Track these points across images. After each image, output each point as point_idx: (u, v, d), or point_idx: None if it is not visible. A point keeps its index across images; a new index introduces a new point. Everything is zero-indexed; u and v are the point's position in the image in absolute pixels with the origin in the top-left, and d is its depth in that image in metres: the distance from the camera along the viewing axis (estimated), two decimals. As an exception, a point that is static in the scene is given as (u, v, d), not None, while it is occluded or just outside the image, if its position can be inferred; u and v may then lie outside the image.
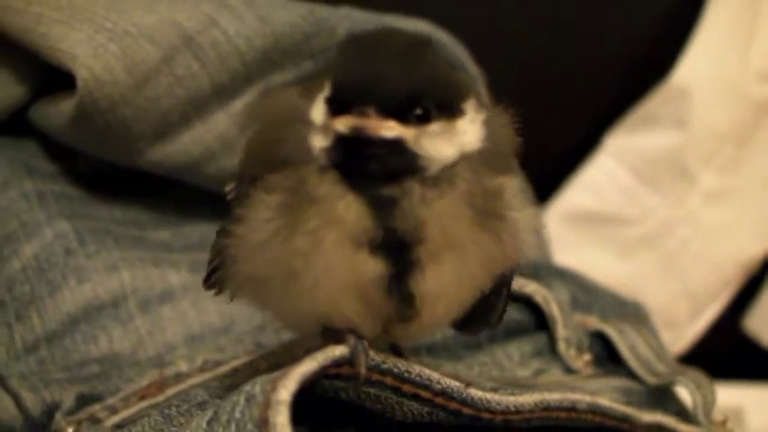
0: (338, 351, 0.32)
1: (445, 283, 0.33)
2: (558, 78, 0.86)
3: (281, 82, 0.61)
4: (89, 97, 0.54)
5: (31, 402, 0.47)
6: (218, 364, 0.49)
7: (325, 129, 0.32)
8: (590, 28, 0.86)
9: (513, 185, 0.34)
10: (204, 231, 0.62)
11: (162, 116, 0.56)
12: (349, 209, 0.31)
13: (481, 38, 0.70)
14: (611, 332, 0.53)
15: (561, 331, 0.52)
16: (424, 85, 0.32)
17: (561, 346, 0.51)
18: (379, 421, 0.34)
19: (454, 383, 0.35)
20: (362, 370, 0.32)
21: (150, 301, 0.55)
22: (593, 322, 0.55)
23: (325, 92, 0.33)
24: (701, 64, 0.83)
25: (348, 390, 0.33)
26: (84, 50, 0.54)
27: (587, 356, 0.52)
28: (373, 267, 0.32)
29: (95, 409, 0.47)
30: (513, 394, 0.37)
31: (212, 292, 0.40)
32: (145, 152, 0.57)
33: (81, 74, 0.54)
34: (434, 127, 0.32)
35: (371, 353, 0.33)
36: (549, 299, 0.53)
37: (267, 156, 0.34)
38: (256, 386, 0.31)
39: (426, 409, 0.34)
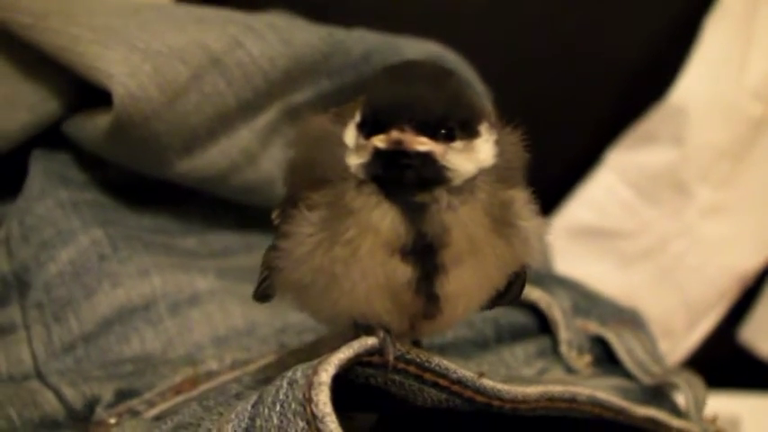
0: (370, 341, 0.36)
1: (466, 285, 0.38)
2: (561, 97, 0.90)
3: (302, 99, 0.65)
4: (124, 113, 0.58)
5: (72, 396, 0.51)
6: (246, 362, 0.54)
7: (361, 147, 0.37)
8: (591, 49, 0.89)
9: (523, 197, 0.39)
10: (228, 240, 0.66)
11: (191, 131, 0.61)
12: (385, 216, 0.36)
13: (486, 57, 0.74)
14: (609, 336, 0.57)
15: (563, 334, 0.56)
16: (449, 108, 0.36)
17: (563, 347, 0.56)
18: (402, 407, 0.39)
19: (468, 373, 0.39)
20: (391, 358, 0.37)
21: (179, 305, 0.59)
22: (593, 327, 0.59)
23: (357, 118, 0.37)
24: (697, 84, 0.87)
25: (377, 376, 0.37)
26: (120, 69, 0.58)
27: (587, 358, 0.56)
28: (404, 271, 0.37)
29: (134, 402, 0.51)
30: (520, 385, 0.41)
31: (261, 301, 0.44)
32: (174, 164, 0.61)
33: (117, 91, 0.58)
34: (457, 144, 0.37)
35: (398, 344, 0.38)
36: (552, 304, 0.57)
37: (307, 176, 0.38)
38: (297, 372, 0.35)
39: (444, 396, 0.39)
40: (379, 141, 0.36)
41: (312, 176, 0.38)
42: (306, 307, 0.41)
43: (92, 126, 0.61)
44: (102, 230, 0.60)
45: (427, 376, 0.38)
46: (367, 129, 0.37)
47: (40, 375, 0.56)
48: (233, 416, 0.38)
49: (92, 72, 0.59)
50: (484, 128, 0.38)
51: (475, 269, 0.38)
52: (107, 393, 0.52)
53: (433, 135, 0.36)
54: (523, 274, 0.41)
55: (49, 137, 0.65)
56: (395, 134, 0.35)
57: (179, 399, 0.51)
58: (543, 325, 0.58)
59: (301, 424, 0.34)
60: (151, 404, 0.51)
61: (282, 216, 0.40)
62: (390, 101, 0.36)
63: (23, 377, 0.56)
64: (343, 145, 0.38)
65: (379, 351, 0.37)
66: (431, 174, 0.36)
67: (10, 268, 0.60)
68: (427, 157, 0.36)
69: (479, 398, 0.40)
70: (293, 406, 0.34)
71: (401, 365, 0.37)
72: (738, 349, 0.93)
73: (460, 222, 0.36)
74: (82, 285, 0.59)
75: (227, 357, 0.54)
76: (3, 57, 0.63)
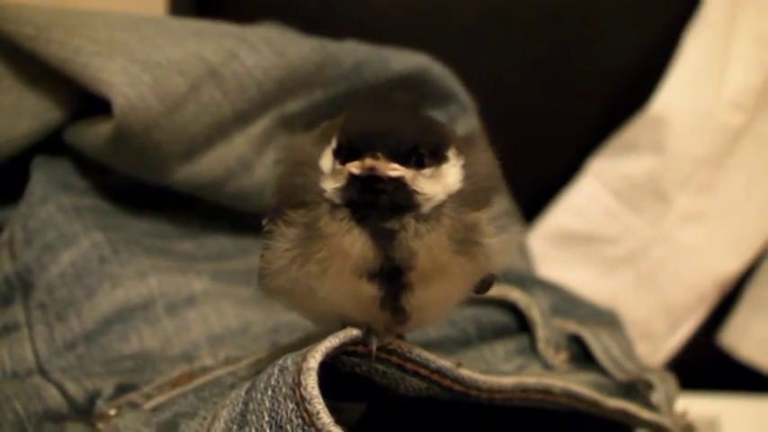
0: (354, 332, 0.40)
1: (431, 298, 0.41)
2: (546, 108, 0.93)
3: (295, 108, 0.69)
4: (125, 122, 0.61)
5: (74, 391, 0.54)
6: (239, 358, 0.57)
7: (337, 173, 0.40)
8: (576, 62, 0.93)
9: (487, 217, 0.41)
10: (223, 244, 0.70)
11: (189, 140, 0.64)
12: (355, 242, 0.39)
13: (472, 69, 0.78)
14: (586, 334, 0.61)
15: (541, 332, 0.59)
16: (419, 136, 0.39)
17: (541, 345, 0.59)
18: (386, 396, 0.42)
19: (447, 363, 0.43)
20: (373, 348, 0.41)
21: (176, 305, 0.62)
22: (572, 326, 0.62)
23: (333, 145, 0.41)
24: (678, 94, 0.90)
25: (362, 365, 0.41)
26: (121, 80, 0.61)
27: (564, 355, 0.59)
28: (369, 291, 0.40)
29: (133, 396, 0.54)
30: (496, 376, 0.45)
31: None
32: (173, 171, 0.65)
33: (118, 101, 0.61)
34: (427, 171, 0.40)
35: (381, 336, 0.41)
36: (531, 304, 0.60)
37: (286, 195, 0.42)
38: (288, 360, 0.39)
39: (425, 385, 0.42)
40: (354, 168, 0.38)
41: (291, 196, 0.41)
42: (292, 307, 0.44)
43: (93, 134, 0.64)
44: (102, 234, 0.64)
45: (408, 366, 0.42)
46: (342, 155, 0.40)
47: (42, 372, 0.59)
48: (228, 402, 0.41)
49: (94, 82, 0.62)
50: (452, 153, 0.41)
51: (440, 285, 0.41)
52: (107, 387, 0.55)
53: (404, 162, 0.39)
54: (490, 277, 0.44)
55: (51, 144, 0.68)
56: (368, 161, 0.38)
57: (175, 392, 0.53)
58: (522, 324, 0.61)
59: (291, 406, 0.37)
60: (149, 397, 0.54)
61: (268, 226, 0.43)
62: (364, 129, 0.39)
63: (26, 373, 0.59)
64: (318, 169, 0.41)
65: (362, 341, 0.40)
66: (402, 199, 0.39)
67: (13, 270, 0.62)
68: (399, 183, 0.39)
69: (457, 387, 0.43)
70: (284, 390, 0.38)
71: (384, 355, 0.41)
72: (718, 352, 0.95)
73: (425, 247, 0.39)
74: (83, 286, 0.62)
75: (221, 354, 0.57)
76: (8, 67, 0.66)
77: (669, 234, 0.93)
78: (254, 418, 0.38)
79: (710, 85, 0.90)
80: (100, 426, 0.52)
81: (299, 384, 0.37)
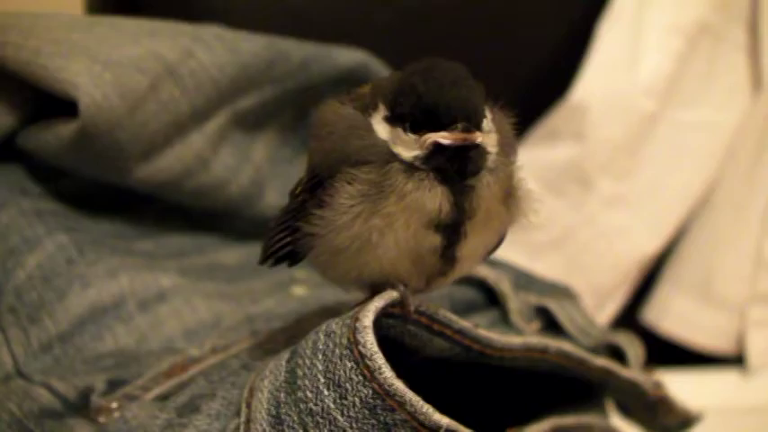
0: (395, 294, 0.44)
1: (476, 247, 0.47)
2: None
3: (247, 105, 0.72)
4: (90, 121, 0.62)
5: (64, 389, 0.56)
6: (226, 347, 0.59)
7: (409, 142, 0.44)
8: (495, 54, 0.98)
9: (518, 168, 0.47)
10: (181, 242, 0.72)
11: (150, 138, 0.66)
12: (435, 198, 0.44)
13: (391, 68, 0.82)
14: (551, 305, 0.66)
15: (512, 304, 0.64)
16: (480, 102, 0.44)
17: (513, 316, 0.63)
18: (412, 358, 0.47)
19: (467, 324, 0.47)
20: (411, 308, 0.45)
21: (147, 302, 0.64)
22: (534, 299, 0.67)
23: (383, 113, 0.45)
24: (594, 83, 0.96)
25: (396, 326, 0.45)
26: (84, 80, 0.62)
27: (535, 325, 0.64)
28: (433, 241, 0.45)
29: (128, 389, 0.55)
30: (505, 336, 0.50)
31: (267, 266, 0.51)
32: (134, 171, 0.66)
33: (83, 100, 0.62)
34: (487, 129, 0.44)
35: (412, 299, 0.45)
36: (500, 278, 0.65)
37: (344, 156, 0.45)
38: (332, 325, 0.42)
39: (447, 345, 0.47)
40: (443, 138, 0.43)
41: (351, 157, 0.45)
42: (333, 269, 0.48)
43: (53, 137, 0.65)
44: (66, 236, 0.65)
45: (435, 326, 0.46)
46: (415, 124, 0.44)
47: (21, 375, 0.60)
48: (267, 372, 0.44)
49: (56, 83, 0.63)
50: (487, 110, 0.46)
51: (484, 235, 0.46)
52: (99, 383, 0.56)
53: (480, 128, 0.44)
54: (503, 235, 0.49)
55: (2, 150, 0.68)
56: (459, 132, 0.43)
57: (172, 382, 0.55)
58: (490, 300, 0.66)
59: (349, 364, 0.40)
60: (146, 389, 0.55)
61: (311, 187, 0.47)
62: (445, 101, 0.43)
63: (6, 378, 0.60)
64: (373, 132, 0.45)
65: (400, 303, 0.44)
66: (482, 161, 0.44)
67: None
68: (479, 148, 0.44)
69: (476, 346, 0.48)
70: (337, 351, 0.41)
71: (415, 316, 0.45)
72: (642, 329, 1.01)
73: (488, 198, 0.45)
74: (53, 288, 0.63)
75: (206, 344, 0.59)
76: None
77: (593, 218, 0.99)
78: (306, 382, 0.42)
79: (625, 72, 0.97)
80: (101, 419, 0.53)
81: (356, 343, 0.40)
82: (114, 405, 0.54)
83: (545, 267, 0.97)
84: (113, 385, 0.56)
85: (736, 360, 1.02)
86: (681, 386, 0.65)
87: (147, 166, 0.67)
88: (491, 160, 0.45)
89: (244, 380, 0.50)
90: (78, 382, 0.57)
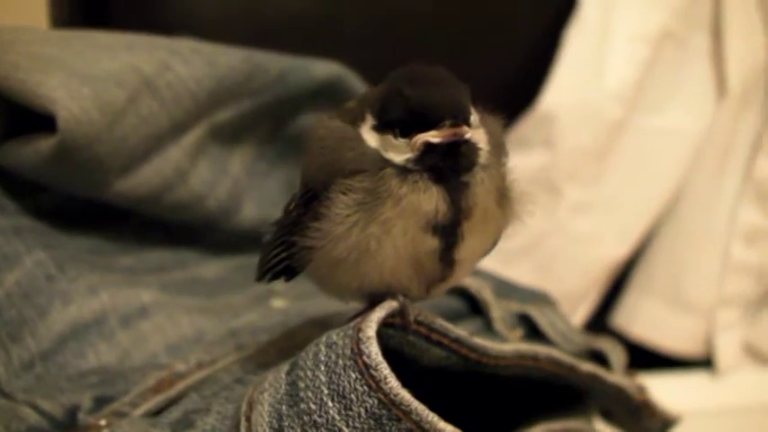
0: (394, 304, 0.45)
1: (474, 249, 0.47)
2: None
3: (225, 118, 0.72)
4: (69, 136, 0.62)
5: (51, 408, 0.55)
6: (212, 361, 0.59)
7: (399, 146, 0.45)
8: (463, 64, 0.99)
9: (510, 169, 0.48)
10: (161, 257, 0.72)
11: (129, 152, 0.66)
12: (431, 198, 0.44)
13: (376, 77, 0.83)
14: (533, 312, 0.67)
15: (495, 312, 0.65)
16: (465, 98, 0.45)
17: (497, 324, 0.64)
18: (409, 368, 0.47)
19: (463, 333, 0.48)
20: (411, 319, 0.45)
21: (129, 318, 0.64)
22: (515, 306, 0.68)
23: (371, 122, 0.46)
24: (562, 91, 0.97)
25: (396, 337, 0.45)
26: (62, 94, 0.62)
27: (518, 332, 0.65)
28: (432, 244, 0.45)
29: (116, 406, 0.55)
30: (498, 344, 0.51)
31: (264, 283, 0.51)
32: (113, 185, 0.66)
33: (62, 115, 0.62)
34: (475, 126, 0.45)
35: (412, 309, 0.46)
36: (482, 287, 0.66)
37: (338, 168, 0.46)
38: (332, 336, 0.43)
39: (444, 354, 0.47)
40: (433, 137, 0.44)
41: (345, 167, 0.46)
42: (332, 281, 0.48)
43: (32, 152, 0.64)
44: (45, 253, 0.64)
45: (433, 336, 0.47)
46: (404, 128, 0.45)
47: (4, 394, 0.60)
48: (266, 385, 0.45)
49: (34, 98, 0.63)
50: (474, 111, 0.47)
51: (481, 236, 0.47)
52: (85, 401, 0.56)
53: (468, 123, 0.45)
54: (497, 238, 0.50)
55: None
56: (448, 129, 0.44)
57: (159, 398, 0.55)
58: (473, 308, 0.66)
59: (354, 375, 0.41)
60: (134, 405, 0.55)
61: (305, 201, 0.47)
62: (431, 101, 0.44)
63: None
64: (364, 142, 0.46)
65: (400, 313, 0.45)
66: (474, 157, 0.45)
67: None
68: (470, 143, 0.45)
69: (472, 354, 0.48)
70: (341, 362, 0.42)
71: (414, 326, 0.46)
72: (611, 334, 1.03)
73: (483, 195, 0.46)
74: (33, 306, 0.63)
75: (192, 359, 0.60)
76: None
77: (562, 225, 1.01)
78: (309, 394, 0.42)
79: (592, 80, 0.98)
80: (90, 437, 0.53)
81: (360, 353, 0.41)
82: (103, 422, 0.54)
83: (517, 274, 0.97)
84: (100, 403, 0.56)
85: (705, 363, 1.04)
86: (652, 390, 0.66)
87: (126, 180, 0.67)
88: (483, 157, 0.46)
89: (238, 394, 0.50)
90: (64, 401, 0.56)
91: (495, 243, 0.50)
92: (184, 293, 0.69)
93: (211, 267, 0.74)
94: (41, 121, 0.64)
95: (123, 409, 0.55)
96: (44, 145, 0.64)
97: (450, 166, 0.45)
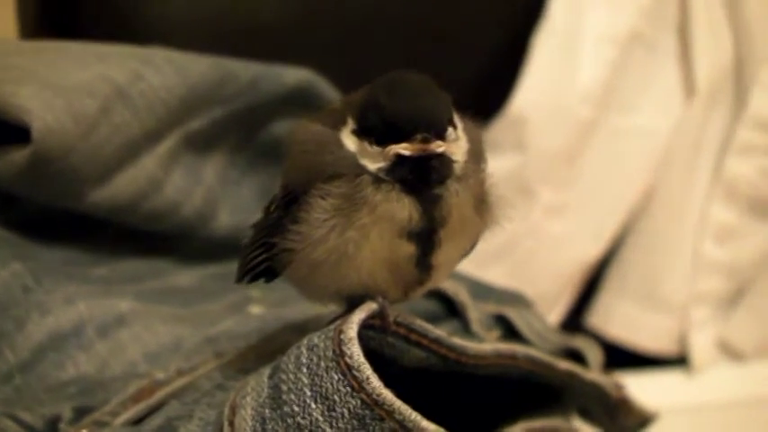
0: (374, 305, 0.45)
1: (450, 254, 0.48)
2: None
3: (197, 126, 0.73)
4: (44, 146, 0.63)
5: (31, 419, 0.55)
6: (192, 368, 0.59)
7: (374, 154, 0.45)
8: (432, 68, 1.01)
9: (489, 174, 0.49)
10: (136, 266, 0.72)
11: (104, 162, 0.66)
12: (404, 208, 0.45)
13: (348, 82, 0.84)
14: (510, 313, 0.68)
15: (472, 314, 0.66)
16: (444, 110, 0.45)
17: (474, 326, 0.65)
18: (388, 369, 0.48)
19: (442, 333, 0.49)
20: (391, 320, 0.46)
21: (107, 327, 0.64)
22: (492, 307, 0.69)
23: (351, 126, 0.46)
24: (532, 93, 0.99)
25: (375, 338, 0.46)
26: (36, 105, 0.62)
27: (495, 333, 0.66)
28: (407, 249, 0.46)
29: (96, 416, 0.55)
30: (477, 343, 0.51)
31: (243, 284, 0.52)
32: (88, 195, 0.67)
33: (36, 125, 0.62)
34: (452, 138, 0.46)
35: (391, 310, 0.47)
36: (459, 290, 0.67)
37: (316, 172, 0.46)
38: (314, 339, 0.43)
39: (424, 355, 0.48)
40: (404, 149, 0.44)
41: (323, 171, 0.46)
42: (311, 284, 0.49)
43: (5, 163, 0.64)
44: (22, 264, 0.64)
45: (413, 336, 0.47)
46: (379, 137, 0.45)
47: None
48: (248, 390, 0.45)
49: (8, 109, 0.63)
50: (456, 118, 0.47)
51: (458, 242, 0.48)
52: (66, 411, 0.56)
53: (442, 137, 0.45)
54: (475, 241, 0.51)
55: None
56: (419, 143, 0.44)
57: (140, 406, 0.55)
58: (449, 311, 0.67)
59: (336, 377, 0.41)
60: (114, 414, 0.55)
61: (285, 203, 0.48)
62: (406, 113, 0.44)
63: None
64: (343, 147, 0.46)
65: (379, 314, 0.46)
66: (447, 170, 0.45)
67: None
68: (443, 157, 0.45)
69: (451, 354, 0.49)
70: (323, 364, 0.42)
71: (394, 328, 0.46)
72: (587, 334, 1.04)
73: (459, 205, 0.46)
74: (11, 317, 0.63)
75: (171, 367, 0.60)
76: None
77: (535, 227, 1.02)
78: (292, 396, 0.42)
79: (561, 82, 1.00)
80: (70, 448, 0.54)
81: (341, 354, 0.41)
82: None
83: (491, 276, 0.99)
84: (80, 413, 0.56)
85: (680, 361, 1.05)
86: (628, 389, 0.67)
87: (101, 191, 0.68)
88: (459, 168, 0.46)
89: (220, 399, 0.50)
90: (45, 412, 0.56)
91: (473, 247, 0.50)
92: (161, 302, 0.69)
93: (186, 276, 0.74)
94: (14, 133, 0.64)
95: (104, 419, 0.56)
96: (18, 156, 0.64)
97: (420, 178, 0.45)
